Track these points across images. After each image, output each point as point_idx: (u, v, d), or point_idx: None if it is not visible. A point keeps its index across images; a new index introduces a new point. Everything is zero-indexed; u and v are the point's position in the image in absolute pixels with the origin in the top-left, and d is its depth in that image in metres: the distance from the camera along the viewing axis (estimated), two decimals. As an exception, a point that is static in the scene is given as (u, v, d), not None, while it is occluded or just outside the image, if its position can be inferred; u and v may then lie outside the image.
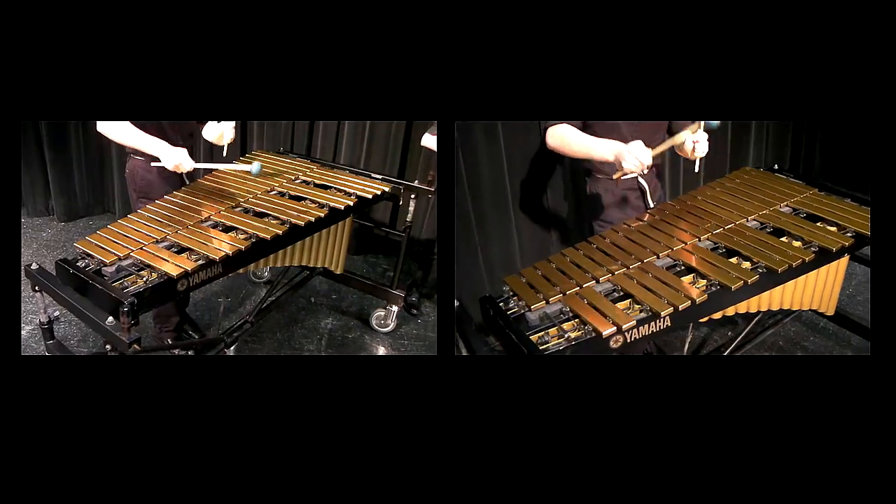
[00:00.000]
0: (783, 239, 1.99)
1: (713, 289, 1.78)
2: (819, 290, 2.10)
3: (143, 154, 2.33)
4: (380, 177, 2.73)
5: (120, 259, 1.97)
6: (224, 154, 2.48)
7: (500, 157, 2.23)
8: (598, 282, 1.85)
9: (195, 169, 2.34)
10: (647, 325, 1.69)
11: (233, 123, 2.40)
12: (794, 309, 2.13)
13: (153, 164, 2.31)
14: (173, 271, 1.87)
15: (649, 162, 1.90)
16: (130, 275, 1.90)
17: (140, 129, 2.26)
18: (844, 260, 2.07)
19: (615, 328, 1.63)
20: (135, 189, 2.47)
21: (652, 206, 2.26)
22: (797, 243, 1.99)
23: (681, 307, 1.70)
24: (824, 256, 1.96)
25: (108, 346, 1.79)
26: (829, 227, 2.06)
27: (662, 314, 1.68)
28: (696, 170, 2.27)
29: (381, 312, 3.11)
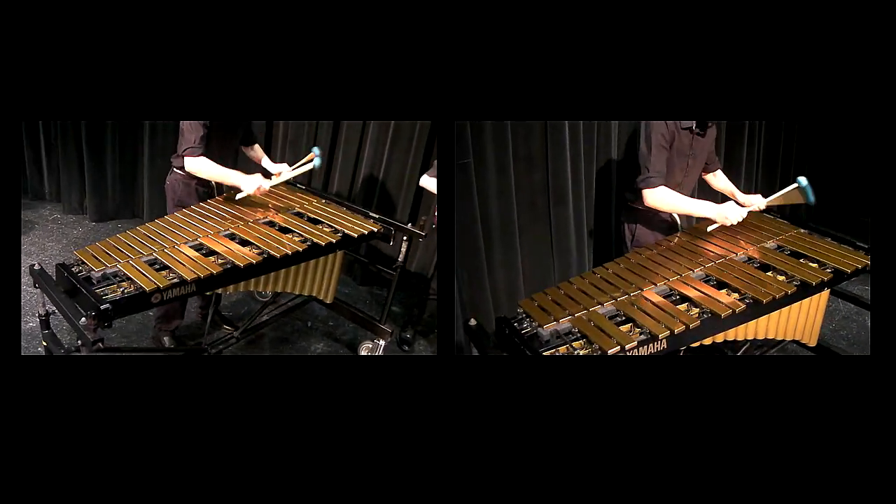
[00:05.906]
0: (769, 273, 2.20)
1: (705, 316, 1.98)
2: (802, 321, 2.30)
3: (183, 169, 2.67)
4: (376, 216, 2.86)
5: (107, 269, 2.16)
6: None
7: (510, 190, 2.55)
8: (602, 306, 2.04)
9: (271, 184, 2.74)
10: (646, 347, 1.86)
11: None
12: (779, 339, 2.31)
13: (237, 195, 2.70)
14: (147, 286, 2.04)
15: (745, 215, 2.39)
16: (112, 284, 2.08)
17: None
18: (825, 294, 2.27)
19: (619, 348, 1.80)
20: (173, 199, 2.82)
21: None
22: (781, 277, 2.19)
23: (676, 331, 1.88)
24: (805, 290, 2.16)
25: (79, 342, 1.96)
26: (810, 264, 2.27)
27: (660, 337, 1.86)
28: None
29: (369, 345, 3.20)
